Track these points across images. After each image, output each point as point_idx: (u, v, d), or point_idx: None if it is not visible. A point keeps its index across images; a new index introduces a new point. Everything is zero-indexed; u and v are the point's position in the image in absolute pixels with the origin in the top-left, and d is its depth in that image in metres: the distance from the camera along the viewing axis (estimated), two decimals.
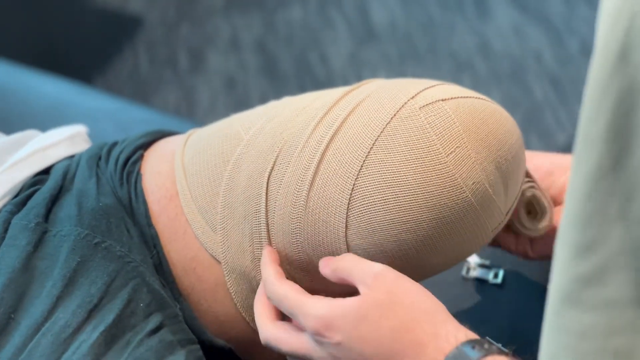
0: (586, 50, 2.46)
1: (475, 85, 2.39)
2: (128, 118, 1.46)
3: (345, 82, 2.44)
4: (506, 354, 0.79)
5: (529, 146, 2.28)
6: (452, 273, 1.12)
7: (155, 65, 2.53)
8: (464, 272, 1.17)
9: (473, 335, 0.80)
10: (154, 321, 0.87)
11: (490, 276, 1.15)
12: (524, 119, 2.31)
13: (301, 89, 2.43)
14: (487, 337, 0.81)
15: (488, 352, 0.77)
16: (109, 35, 2.62)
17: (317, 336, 0.80)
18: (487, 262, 1.17)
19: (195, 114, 2.38)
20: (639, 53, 0.53)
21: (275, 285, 0.85)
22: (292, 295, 0.84)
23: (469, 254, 0.92)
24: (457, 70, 2.46)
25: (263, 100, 2.43)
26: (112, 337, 0.85)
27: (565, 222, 0.57)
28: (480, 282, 1.16)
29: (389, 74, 2.45)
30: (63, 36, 2.57)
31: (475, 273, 1.16)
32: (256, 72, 2.49)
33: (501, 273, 1.16)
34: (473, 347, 0.78)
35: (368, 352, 0.79)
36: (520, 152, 0.90)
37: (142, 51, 2.56)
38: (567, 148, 1.27)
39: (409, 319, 0.79)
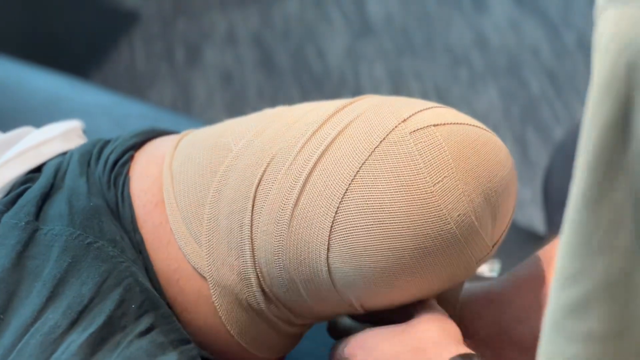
0: (583, 44, 2.46)
1: (472, 79, 2.39)
2: (124, 113, 1.46)
3: (342, 76, 2.44)
4: None
5: (525, 140, 2.28)
6: None
7: (151, 59, 2.53)
8: None
9: (467, 350, 0.82)
10: (144, 322, 0.86)
11: (486, 269, 1.15)
12: (521, 113, 2.31)
13: (298, 83, 2.42)
14: (476, 354, 0.83)
15: None
16: (106, 30, 2.62)
17: None
18: None
19: (191, 109, 2.38)
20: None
21: None
22: None
23: (453, 284, 0.91)
24: (453, 65, 2.45)
25: (260, 94, 2.43)
26: (102, 338, 0.84)
27: (560, 248, 0.57)
28: (477, 275, 1.16)
29: (385, 69, 2.45)
30: (59, 31, 2.57)
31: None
32: (253, 66, 2.49)
33: (497, 266, 1.16)
34: None
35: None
36: (511, 184, 0.88)
37: (139, 46, 2.56)
38: (563, 142, 1.27)
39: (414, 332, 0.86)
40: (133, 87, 2.44)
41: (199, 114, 2.34)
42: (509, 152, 0.89)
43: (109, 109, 1.45)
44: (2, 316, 0.85)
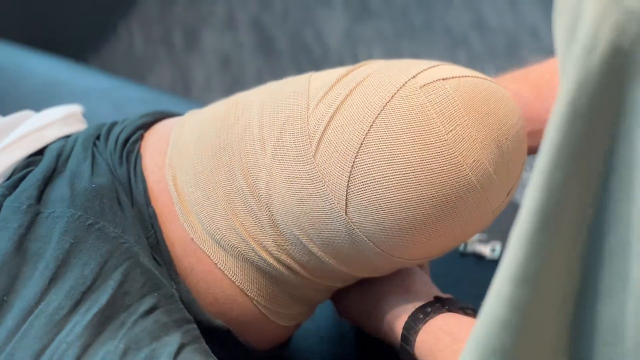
0: None
1: (471, 61, 2.38)
2: (123, 97, 1.46)
3: (341, 59, 2.43)
4: (454, 310, 0.92)
5: None
6: None
7: (150, 43, 2.52)
8: (461, 248, 1.17)
9: (424, 300, 0.94)
10: (148, 302, 0.87)
11: (488, 250, 1.16)
12: None
13: (297, 66, 2.42)
14: (450, 296, 0.95)
15: (429, 315, 0.91)
16: (104, 14, 2.61)
17: None
18: (484, 237, 1.17)
19: (190, 93, 2.38)
20: None
21: None
22: None
23: (470, 235, 0.92)
24: (452, 46, 2.45)
25: (258, 78, 2.42)
26: (105, 318, 0.85)
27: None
28: (479, 257, 1.16)
29: (384, 51, 2.45)
30: (57, 15, 2.56)
31: (472, 248, 1.17)
32: (251, 50, 2.49)
33: (498, 247, 1.16)
34: (418, 316, 0.91)
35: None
36: (521, 132, 0.90)
37: (137, 30, 2.56)
38: None
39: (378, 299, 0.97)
40: (132, 71, 2.44)
41: (197, 97, 2.34)
42: (516, 103, 0.91)
43: (108, 93, 1.45)
44: (5, 298, 0.86)
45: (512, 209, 1.08)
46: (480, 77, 0.90)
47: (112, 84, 1.50)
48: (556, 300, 0.57)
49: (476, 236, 1.17)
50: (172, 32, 2.55)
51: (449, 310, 0.92)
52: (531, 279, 0.56)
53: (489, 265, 1.15)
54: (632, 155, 0.53)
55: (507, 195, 0.90)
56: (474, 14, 2.53)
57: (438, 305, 0.92)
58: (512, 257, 0.56)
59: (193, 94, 2.37)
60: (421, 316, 0.91)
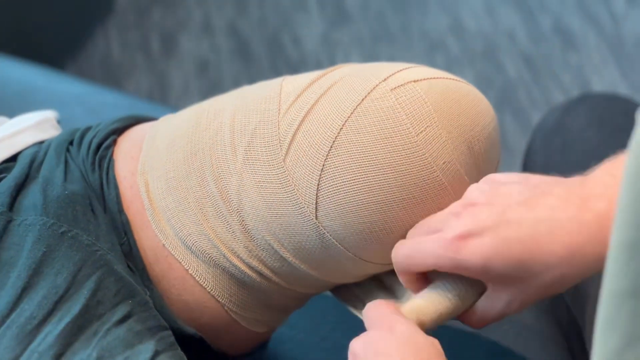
0: (559, 28, 2.46)
1: (449, 65, 2.38)
2: (99, 103, 1.45)
3: (318, 63, 2.43)
4: None
5: (503, 125, 2.28)
6: None
7: (127, 49, 2.51)
8: None
9: None
10: (121, 310, 0.86)
11: None
12: (498, 98, 2.31)
13: (274, 70, 2.42)
14: None
15: None
16: (80, 20, 2.60)
17: None
18: None
19: (168, 98, 2.37)
20: None
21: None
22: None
23: None
24: (430, 50, 2.45)
25: (236, 83, 2.42)
26: (78, 327, 0.84)
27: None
28: None
29: (361, 55, 2.45)
30: (33, 21, 2.55)
31: None
32: (229, 55, 2.48)
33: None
34: None
35: None
36: (494, 134, 0.89)
37: (114, 36, 2.55)
38: (540, 126, 1.27)
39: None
40: (109, 77, 2.43)
41: (175, 103, 2.34)
42: (489, 104, 0.90)
43: (83, 99, 1.44)
44: None
45: None
46: (453, 79, 0.89)
47: (88, 90, 1.49)
48: None
49: None
50: (149, 38, 2.55)
51: None
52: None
53: None
54: None
55: None
56: (451, 18, 2.53)
57: None
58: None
59: (171, 100, 2.37)
60: None
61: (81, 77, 2.10)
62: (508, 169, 2.11)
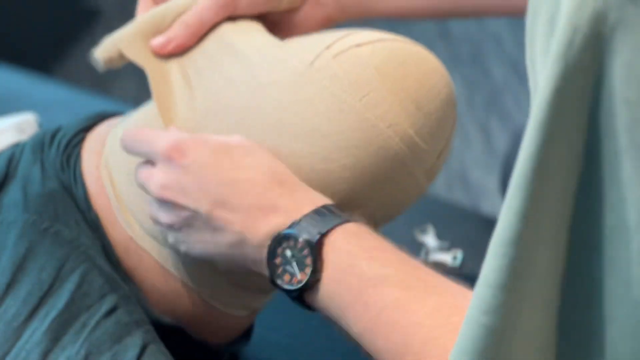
0: None
1: None
2: (84, 108, 1.44)
3: None
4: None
5: (489, 129, 2.29)
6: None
7: None
8: (422, 256, 1.17)
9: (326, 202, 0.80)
10: (109, 302, 0.85)
11: (449, 259, 1.15)
12: (485, 102, 2.32)
13: None
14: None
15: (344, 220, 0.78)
16: (68, 27, 2.60)
17: (168, 158, 0.81)
18: (445, 245, 1.17)
19: None
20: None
21: None
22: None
23: (407, 204, 0.89)
24: None
25: None
26: (65, 321, 0.83)
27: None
28: (439, 266, 1.16)
29: None
30: (21, 27, 2.55)
31: (434, 257, 1.16)
32: None
33: (460, 255, 1.16)
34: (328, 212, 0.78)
35: (212, 183, 0.80)
36: (444, 91, 0.87)
37: (101, 40, 2.54)
38: (522, 128, 1.27)
39: (272, 170, 0.81)
40: (96, 83, 2.43)
41: None
42: (439, 63, 0.89)
43: (68, 104, 1.44)
44: None
45: (473, 219, 1.09)
46: (398, 40, 0.88)
47: (74, 95, 1.49)
48: (542, 301, 0.57)
49: (437, 244, 1.17)
50: None
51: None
52: (514, 281, 0.56)
53: (450, 274, 1.15)
54: (615, 143, 0.53)
55: (438, 157, 0.88)
56: (439, 23, 2.54)
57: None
58: (492, 260, 0.56)
59: None
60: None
61: (68, 81, 2.10)
62: (493, 172, 2.11)
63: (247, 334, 1.01)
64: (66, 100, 1.45)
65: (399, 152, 0.84)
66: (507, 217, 0.55)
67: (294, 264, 0.76)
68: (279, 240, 0.77)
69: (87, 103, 1.47)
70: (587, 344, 0.58)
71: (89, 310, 0.84)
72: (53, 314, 0.83)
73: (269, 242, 0.77)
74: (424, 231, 1.19)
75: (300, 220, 0.76)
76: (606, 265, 0.55)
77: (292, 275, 0.76)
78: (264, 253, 0.78)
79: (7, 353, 0.82)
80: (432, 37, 2.49)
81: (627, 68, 0.51)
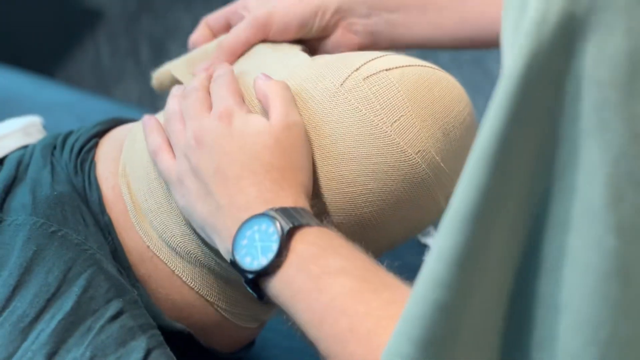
0: None
1: None
2: (87, 110, 1.45)
3: None
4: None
5: None
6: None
7: (116, 57, 2.52)
8: (420, 237, 1.17)
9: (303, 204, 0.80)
10: (114, 306, 0.86)
11: None
12: (486, 104, 2.31)
13: None
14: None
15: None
16: (70, 28, 2.60)
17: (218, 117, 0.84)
18: None
19: (157, 105, 2.37)
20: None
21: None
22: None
23: (423, 226, 0.91)
24: (419, 56, 2.45)
25: None
26: (71, 324, 0.84)
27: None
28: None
29: None
30: (23, 29, 2.55)
31: (432, 238, 1.17)
32: None
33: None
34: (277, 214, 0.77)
35: (224, 163, 0.81)
36: (469, 119, 0.89)
37: (103, 43, 2.55)
38: None
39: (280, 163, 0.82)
40: (99, 84, 2.43)
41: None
42: (463, 89, 0.90)
43: (71, 106, 1.44)
44: None
45: None
46: (426, 66, 0.89)
47: (76, 97, 1.49)
48: (495, 281, 0.57)
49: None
50: (138, 45, 2.55)
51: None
52: (470, 258, 0.56)
53: None
54: (577, 125, 0.53)
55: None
56: None
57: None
58: (448, 236, 0.56)
59: (160, 106, 2.35)
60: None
61: (70, 84, 2.11)
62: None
63: (249, 345, 1.02)
64: (68, 102, 1.46)
65: (426, 178, 0.85)
66: (467, 192, 0.56)
67: (259, 247, 0.76)
68: (251, 222, 0.77)
69: (89, 105, 1.48)
70: (534, 333, 0.57)
71: (94, 314, 0.85)
72: (59, 316, 0.84)
73: (241, 222, 0.78)
74: (427, 233, 1.20)
75: (277, 209, 0.77)
76: (564, 251, 0.55)
77: (254, 258, 0.76)
78: (233, 230, 0.78)
79: (13, 354, 0.83)
80: None
81: (599, 49, 0.51)
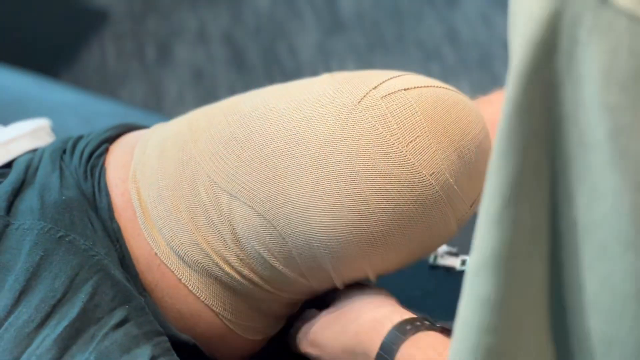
0: None
1: (444, 74, 2.38)
2: (93, 111, 1.45)
3: (314, 72, 2.42)
4: (437, 329, 0.85)
5: None
6: (419, 261, 1.12)
7: (122, 58, 2.51)
8: (431, 260, 1.16)
9: (408, 315, 0.86)
10: (119, 314, 0.86)
11: (457, 264, 1.15)
12: None
13: (269, 80, 2.41)
14: (425, 315, 0.87)
15: (418, 329, 0.84)
16: (75, 29, 2.60)
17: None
18: (454, 250, 1.17)
19: (163, 107, 2.37)
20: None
21: None
22: None
23: (434, 247, 0.91)
24: (425, 59, 2.45)
25: (231, 92, 2.41)
26: (75, 331, 0.84)
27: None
28: (448, 270, 1.16)
29: (357, 64, 2.44)
30: (29, 30, 2.55)
31: (442, 261, 1.16)
32: (224, 63, 2.48)
33: (469, 260, 1.15)
34: (405, 327, 0.84)
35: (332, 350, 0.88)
36: (484, 142, 0.89)
37: (109, 44, 2.55)
38: None
39: (352, 316, 0.89)
40: (104, 86, 2.43)
41: (170, 111, 2.33)
42: (480, 113, 0.90)
43: (77, 107, 1.44)
44: None
45: None
46: (443, 87, 0.89)
47: (82, 99, 1.49)
48: (539, 317, 0.57)
49: (446, 249, 1.16)
50: (144, 46, 2.54)
51: (435, 330, 0.88)
52: (512, 298, 0.55)
53: (459, 277, 1.15)
54: (589, 152, 0.53)
55: (471, 206, 0.89)
56: (447, 27, 2.53)
57: (428, 323, 0.87)
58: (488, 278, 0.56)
59: (166, 108, 2.36)
60: (409, 327, 0.86)
61: (76, 85, 2.10)
62: None
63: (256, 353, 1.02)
64: (74, 104, 1.45)
65: (438, 200, 0.85)
66: (500, 230, 0.55)
67: None
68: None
69: (94, 106, 1.47)
70: (578, 348, 0.57)
71: (98, 322, 0.85)
72: (65, 322, 0.84)
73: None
74: (437, 255, 1.19)
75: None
76: (604, 282, 0.55)
77: None
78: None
79: (17, 358, 0.83)
80: (440, 41, 2.49)
81: (606, 70, 0.51)
